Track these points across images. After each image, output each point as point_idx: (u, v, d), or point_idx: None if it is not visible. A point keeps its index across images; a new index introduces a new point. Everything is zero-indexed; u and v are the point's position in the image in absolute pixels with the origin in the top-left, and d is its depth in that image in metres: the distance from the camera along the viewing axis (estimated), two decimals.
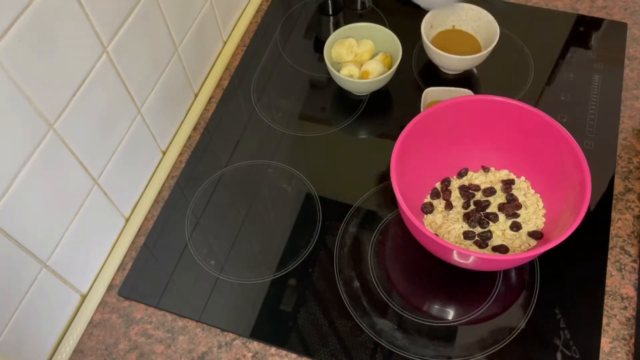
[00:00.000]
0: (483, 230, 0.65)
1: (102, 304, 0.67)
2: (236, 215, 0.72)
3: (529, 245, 0.64)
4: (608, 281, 0.64)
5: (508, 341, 0.61)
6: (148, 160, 0.74)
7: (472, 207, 0.68)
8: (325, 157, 0.76)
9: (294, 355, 0.62)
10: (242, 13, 0.90)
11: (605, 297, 0.63)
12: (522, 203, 0.67)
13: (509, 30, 0.85)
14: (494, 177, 0.69)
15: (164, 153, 0.77)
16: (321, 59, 0.81)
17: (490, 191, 0.68)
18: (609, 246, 0.66)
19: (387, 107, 0.80)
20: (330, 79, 0.81)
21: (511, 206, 0.66)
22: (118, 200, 0.69)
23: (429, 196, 0.69)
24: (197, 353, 0.63)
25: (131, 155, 0.69)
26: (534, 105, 0.65)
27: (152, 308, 0.66)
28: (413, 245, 0.64)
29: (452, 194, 0.69)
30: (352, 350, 0.61)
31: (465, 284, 0.65)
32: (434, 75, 0.82)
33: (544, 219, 0.65)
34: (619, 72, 0.80)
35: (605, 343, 0.61)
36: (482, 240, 0.65)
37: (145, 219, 0.73)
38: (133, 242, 0.71)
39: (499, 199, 0.68)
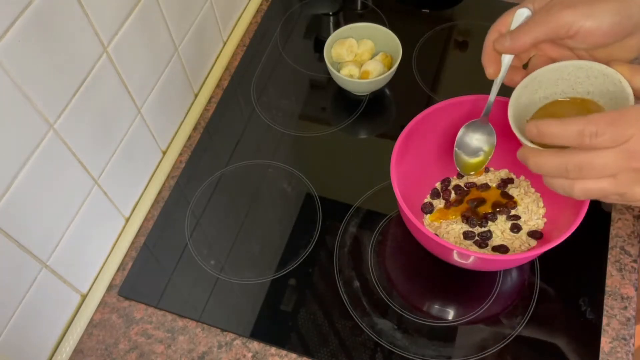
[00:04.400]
0: (483, 230, 0.65)
1: (102, 304, 0.67)
2: (236, 215, 0.72)
3: (529, 245, 0.64)
4: (608, 281, 0.64)
5: (508, 341, 0.61)
6: (148, 160, 0.74)
7: None
8: (325, 157, 0.76)
9: (294, 355, 0.62)
10: (242, 13, 0.90)
11: (605, 297, 0.63)
12: (522, 202, 0.66)
13: None
14: (494, 177, 0.69)
15: (164, 153, 0.77)
16: (321, 59, 0.81)
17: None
18: (609, 246, 0.66)
19: (387, 107, 0.80)
20: (330, 79, 0.81)
21: (506, 206, 0.66)
22: (118, 200, 0.69)
23: (429, 196, 0.69)
24: (197, 353, 0.63)
25: (131, 155, 0.69)
26: None
27: (152, 308, 0.66)
28: (413, 245, 0.64)
29: (452, 194, 0.69)
30: (352, 350, 0.61)
31: (465, 284, 0.65)
32: None
33: (544, 219, 0.65)
34: None
35: (605, 343, 0.60)
36: (482, 240, 0.65)
37: (145, 219, 0.73)
38: (133, 242, 0.71)
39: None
